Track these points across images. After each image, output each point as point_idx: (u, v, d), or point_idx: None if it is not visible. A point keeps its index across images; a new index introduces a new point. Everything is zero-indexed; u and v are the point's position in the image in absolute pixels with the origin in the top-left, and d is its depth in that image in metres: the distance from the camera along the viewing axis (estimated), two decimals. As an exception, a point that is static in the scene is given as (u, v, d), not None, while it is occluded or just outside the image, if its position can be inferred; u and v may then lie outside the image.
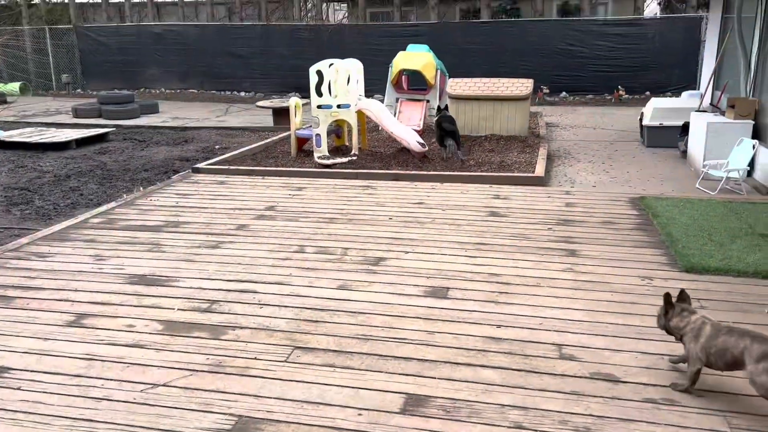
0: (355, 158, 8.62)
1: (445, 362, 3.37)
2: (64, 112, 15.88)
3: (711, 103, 9.41)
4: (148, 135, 12.67)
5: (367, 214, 6.21)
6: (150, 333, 3.76)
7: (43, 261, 5.02)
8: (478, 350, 3.49)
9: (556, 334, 3.66)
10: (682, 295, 3.20)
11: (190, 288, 4.43)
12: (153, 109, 15.64)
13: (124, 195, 7.48)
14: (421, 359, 3.40)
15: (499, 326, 3.77)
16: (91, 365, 3.39)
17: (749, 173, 7.49)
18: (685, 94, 10.85)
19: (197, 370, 3.32)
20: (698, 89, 11.32)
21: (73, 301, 4.23)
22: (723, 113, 8.27)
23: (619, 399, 3.01)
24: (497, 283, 4.43)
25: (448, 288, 4.35)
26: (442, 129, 8.65)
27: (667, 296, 3.18)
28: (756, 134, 7.51)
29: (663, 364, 3.29)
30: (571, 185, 7.53)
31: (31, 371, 3.34)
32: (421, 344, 3.57)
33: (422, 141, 8.89)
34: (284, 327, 3.80)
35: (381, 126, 9.03)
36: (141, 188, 7.77)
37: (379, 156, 8.88)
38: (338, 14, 25.61)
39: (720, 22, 9.67)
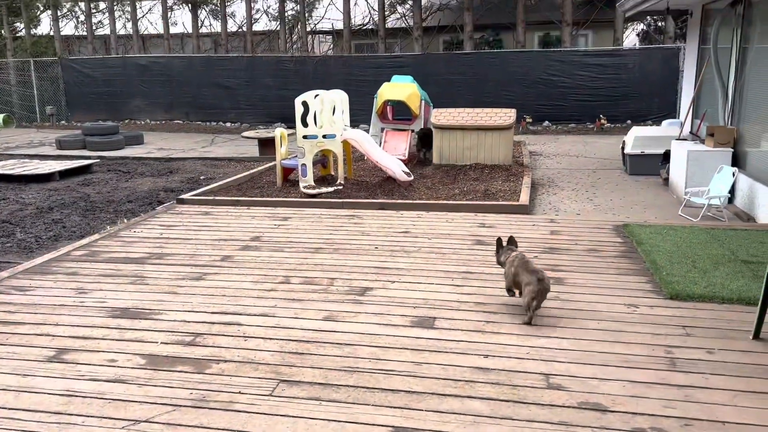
0: (340, 188, 8.64)
1: (433, 393, 3.33)
2: (48, 143, 15.82)
3: (691, 132, 9.58)
4: (133, 166, 12.63)
5: (353, 243, 6.19)
6: (132, 367, 3.69)
7: (23, 295, 4.94)
8: (466, 381, 3.46)
9: (543, 363, 3.65)
10: (511, 240, 4.59)
11: (174, 321, 4.36)
12: (138, 140, 15.63)
13: (108, 227, 7.42)
14: (409, 391, 3.36)
15: (486, 356, 3.75)
16: (71, 402, 3.31)
17: (730, 200, 7.60)
18: (665, 122, 11.06)
19: (180, 406, 3.26)
20: (678, 118, 11.54)
21: (54, 336, 4.15)
22: (703, 141, 8.42)
23: (607, 429, 2.99)
24: (484, 312, 4.42)
25: (435, 318, 4.33)
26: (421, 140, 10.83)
27: (498, 240, 4.62)
28: (735, 162, 7.64)
29: (652, 393, 3.28)
30: (555, 213, 7.58)
31: (9, 409, 3.26)
32: (408, 375, 3.53)
33: (407, 170, 8.95)
34: (269, 360, 3.75)
35: (366, 156, 9.08)
36: (125, 220, 7.71)
37: (364, 185, 8.90)
38: (323, 46, 25.91)
39: (697, 52, 9.91)
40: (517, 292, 4.39)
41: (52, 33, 23.21)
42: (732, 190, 7.53)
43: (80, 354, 3.88)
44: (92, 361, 3.77)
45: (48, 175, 11.03)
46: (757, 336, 3.90)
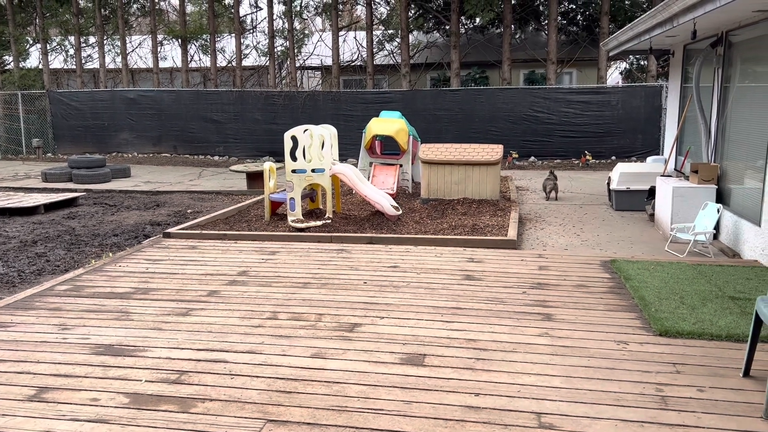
0: (329, 222, 8.62)
1: (423, 433, 3.27)
2: (34, 176, 15.71)
3: (675, 168, 9.72)
4: (119, 199, 12.55)
5: (341, 278, 6.15)
6: (115, 407, 3.60)
7: (4, 331, 4.83)
8: (456, 420, 3.41)
9: (534, 401, 3.61)
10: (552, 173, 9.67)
11: (159, 358, 4.28)
12: (125, 174, 15.56)
13: (93, 261, 7.32)
14: (399, 431, 3.30)
15: (477, 394, 3.70)
16: (50, 443, 3.22)
17: (715, 236, 7.67)
18: (650, 159, 11.21)
19: (164, 447, 3.17)
20: (662, 154, 11.71)
21: (35, 374, 4.05)
22: (687, 178, 8.53)
23: (600, 469, 2.94)
24: (474, 348, 4.38)
25: (425, 355, 4.29)
26: None
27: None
28: (719, 198, 7.74)
29: (643, 432, 3.25)
30: (543, 248, 7.60)
31: (-14, 451, 3.16)
32: (398, 415, 3.47)
33: (396, 204, 8.97)
34: (256, 398, 3.68)
35: (355, 190, 9.09)
36: (110, 254, 7.62)
37: (353, 219, 8.89)
38: (312, 81, 26.17)
39: (679, 90, 10.11)
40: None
41: (41, 66, 23.26)
42: (717, 227, 7.61)
43: (62, 393, 3.78)
44: (74, 400, 3.68)
45: (32, 209, 10.91)
46: (747, 374, 3.90)
